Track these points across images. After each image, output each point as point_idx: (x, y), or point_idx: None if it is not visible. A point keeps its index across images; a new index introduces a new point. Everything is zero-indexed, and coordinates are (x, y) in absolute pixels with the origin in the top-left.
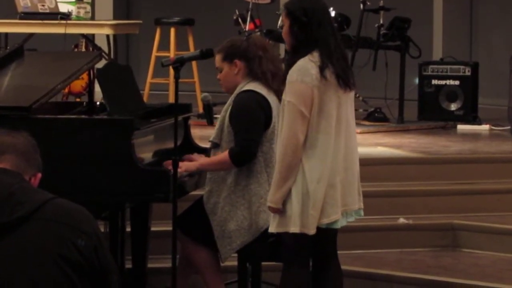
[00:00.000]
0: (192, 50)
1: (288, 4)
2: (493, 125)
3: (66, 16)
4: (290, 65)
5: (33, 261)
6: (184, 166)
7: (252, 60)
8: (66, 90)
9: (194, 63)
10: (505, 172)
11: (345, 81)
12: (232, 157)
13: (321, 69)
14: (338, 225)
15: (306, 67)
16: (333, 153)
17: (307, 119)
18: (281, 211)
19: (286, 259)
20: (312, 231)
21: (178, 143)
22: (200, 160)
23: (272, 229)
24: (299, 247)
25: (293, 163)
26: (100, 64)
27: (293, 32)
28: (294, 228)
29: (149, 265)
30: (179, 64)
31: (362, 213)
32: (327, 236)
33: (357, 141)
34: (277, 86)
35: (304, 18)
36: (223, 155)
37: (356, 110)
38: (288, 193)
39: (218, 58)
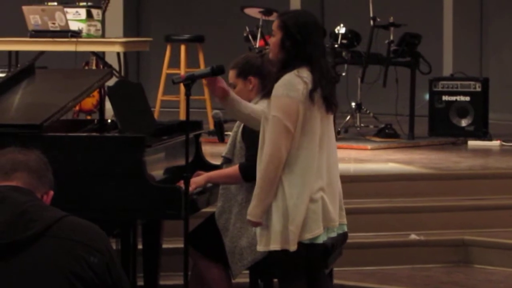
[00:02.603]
0: (202, 67)
1: (283, 16)
2: (504, 141)
3: (77, 33)
4: (277, 79)
5: (46, 278)
6: (193, 182)
7: (266, 76)
8: (77, 108)
9: (204, 80)
10: None
11: (330, 105)
12: (242, 171)
13: (311, 91)
14: (321, 240)
15: (293, 82)
16: (316, 169)
17: (291, 134)
18: (262, 226)
19: (279, 276)
20: (292, 247)
21: (189, 160)
22: (208, 173)
23: (260, 248)
24: (286, 264)
25: (275, 178)
26: (111, 82)
27: (284, 46)
28: (274, 246)
29: (161, 282)
30: (190, 81)
31: (345, 228)
32: (313, 251)
33: (337, 156)
34: None
35: (299, 36)
36: (232, 168)
37: (366, 126)
38: (269, 211)
39: (232, 74)
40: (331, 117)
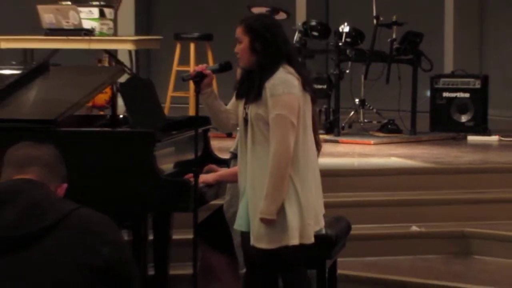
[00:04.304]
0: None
1: (248, 20)
2: (502, 136)
3: (90, 32)
4: (263, 80)
5: (59, 269)
6: (202, 178)
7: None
8: (90, 104)
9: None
10: None
11: (315, 96)
12: None
13: (304, 83)
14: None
15: (288, 79)
16: (311, 163)
17: (295, 129)
18: (275, 225)
19: (290, 271)
20: (311, 240)
21: (198, 154)
22: (218, 172)
23: (265, 246)
24: (298, 258)
25: (286, 175)
26: (123, 79)
27: (254, 49)
28: (294, 241)
29: (171, 272)
30: (199, 78)
31: None
32: (320, 242)
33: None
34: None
35: (268, 35)
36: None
37: (370, 122)
38: (282, 208)
39: (240, 29)
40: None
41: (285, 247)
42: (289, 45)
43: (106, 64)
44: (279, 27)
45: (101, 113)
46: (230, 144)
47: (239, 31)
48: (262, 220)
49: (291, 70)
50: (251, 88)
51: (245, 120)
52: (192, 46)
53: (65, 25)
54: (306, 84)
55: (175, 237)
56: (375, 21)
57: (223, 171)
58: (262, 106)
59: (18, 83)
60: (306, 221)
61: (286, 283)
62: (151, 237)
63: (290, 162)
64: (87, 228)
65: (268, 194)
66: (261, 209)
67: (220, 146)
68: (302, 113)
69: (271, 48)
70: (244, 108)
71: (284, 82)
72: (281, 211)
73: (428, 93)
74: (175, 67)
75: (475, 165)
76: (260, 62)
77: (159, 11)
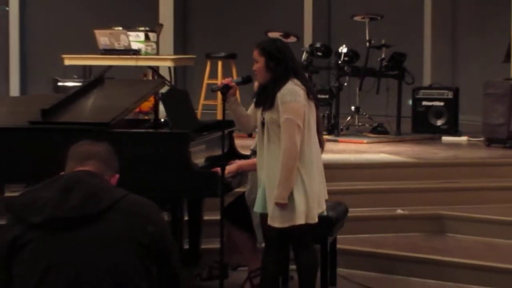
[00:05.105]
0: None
1: (262, 44)
2: (470, 137)
3: (137, 52)
4: (275, 91)
5: (113, 244)
6: (227, 169)
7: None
8: (137, 109)
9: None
10: (481, 173)
11: (318, 103)
12: None
13: (308, 93)
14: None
15: (295, 90)
16: (315, 158)
17: (301, 130)
18: (285, 208)
19: (299, 245)
20: (315, 220)
21: (225, 151)
22: (239, 162)
23: (278, 225)
24: (305, 235)
25: (295, 167)
26: (164, 89)
27: (269, 67)
28: (300, 221)
29: (202, 246)
30: (226, 89)
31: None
32: (323, 222)
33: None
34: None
35: (280, 55)
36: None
37: (363, 125)
38: (292, 194)
39: (256, 52)
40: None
41: (294, 226)
42: (296, 63)
43: (150, 78)
44: (287, 48)
45: (146, 117)
46: (250, 142)
47: (256, 53)
48: (276, 204)
49: (298, 82)
50: (266, 99)
51: (262, 124)
52: (219, 63)
53: (117, 46)
54: (310, 94)
55: (205, 218)
56: (367, 44)
57: (243, 162)
58: (275, 112)
59: (79, 93)
60: (310, 205)
61: (297, 255)
62: (186, 218)
63: (297, 157)
64: (134, 211)
65: (280, 183)
66: (275, 195)
67: (242, 145)
68: (306, 117)
69: (281, 66)
70: (262, 114)
71: (292, 92)
72: (291, 196)
73: (410, 102)
74: (205, 80)
75: (448, 160)
76: (274, 78)
77: (193, 35)
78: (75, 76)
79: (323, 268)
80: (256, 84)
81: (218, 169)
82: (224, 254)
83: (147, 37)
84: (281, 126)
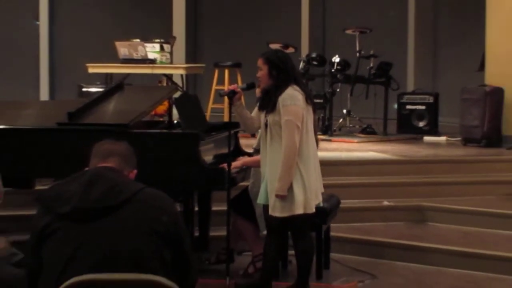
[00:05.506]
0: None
1: (266, 54)
2: (449, 137)
3: (153, 61)
4: (277, 96)
5: (132, 232)
6: (233, 165)
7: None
8: (153, 112)
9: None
10: (458, 169)
11: (315, 107)
12: None
13: (306, 98)
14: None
15: (295, 94)
16: (312, 155)
17: (300, 130)
18: (285, 199)
19: (297, 233)
20: (312, 210)
21: (231, 149)
22: (244, 159)
23: (279, 214)
24: (304, 223)
25: (294, 163)
26: (177, 94)
27: (272, 74)
28: (299, 211)
29: (211, 234)
30: (232, 94)
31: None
32: (318, 212)
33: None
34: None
35: (281, 64)
36: (259, 157)
37: (354, 126)
38: (289, 187)
39: (260, 60)
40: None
41: (293, 215)
42: (295, 71)
43: (164, 84)
44: (288, 58)
45: (161, 119)
46: (253, 142)
47: (260, 62)
48: (277, 195)
49: (297, 88)
50: (269, 103)
51: (266, 125)
52: (226, 71)
53: (135, 56)
54: (308, 98)
55: (213, 208)
56: (358, 54)
57: (247, 158)
58: (277, 114)
59: (101, 98)
60: (308, 197)
61: (295, 242)
62: (197, 209)
63: (296, 154)
64: (151, 202)
65: (281, 177)
66: (276, 188)
67: (246, 143)
68: (305, 119)
69: (282, 74)
70: (265, 117)
71: (292, 96)
72: (290, 189)
73: (396, 106)
74: (214, 86)
75: (429, 157)
76: (275, 84)
77: (203, 46)
78: (98, 83)
79: (318, 253)
80: (258, 90)
81: (225, 165)
82: (230, 241)
83: (162, 48)
84: (282, 127)
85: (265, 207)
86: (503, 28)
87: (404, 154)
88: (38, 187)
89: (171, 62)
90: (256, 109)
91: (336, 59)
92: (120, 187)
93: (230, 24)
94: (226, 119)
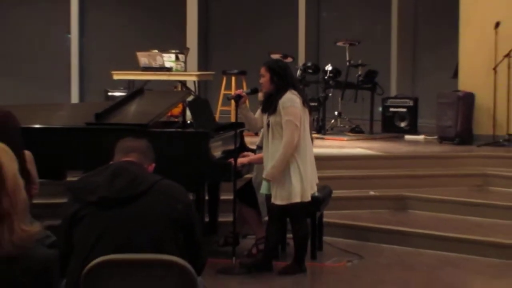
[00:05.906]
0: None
1: (268, 63)
2: (427, 136)
3: (169, 69)
4: (277, 99)
5: (151, 219)
6: (240, 161)
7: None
8: (169, 114)
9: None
10: (435, 164)
11: (311, 109)
12: None
13: (303, 101)
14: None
15: (293, 98)
16: (308, 151)
17: (298, 129)
18: (283, 187)
19: (295, 219)
20: (308, 199)
21: (237, 146)
22: (250, 156)
23: (279, 202)
24: (301, 210)
25: (290, 157)
26: (190, 98)
27: (273, 80)
28: (296, 199)
29: (219, 219)
30: (238, 98)
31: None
32: (313, 201)
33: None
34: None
35: (282, 72)
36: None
37: (344, 126)
38: (288, 178)
39: (263, 68)
40: (308, 117)
41: (291, 203)
42: (294, 78)
43: (179, 89)
44: (287, 67)
45: (176, 120)
46: (256, 139)
47: (263, 70)
48: (266, 179)
49: (295, 93)
50: (271, 105)
51: (268, 125)
52: (233, 78)
53: (153, 65)
54: (304, 102)
55: (222, 197)
56: (347, 63)
57: (253, 156)
58: (278, 115)
59: (124, 101)
60: (305, 187)
61: (292, 227)
62: (207, 197)
63: (294, 150)
64: (167, 192)
65: (274, 165)
66: (268, 172)
67: (251, 141)
68: (302, 120)
69: (282, 80)
70: (267, 118)
71: (290, 99)
72: (289, 179)
73: (380, 109)
74: (222, 91)
75: (409, 153)
76: (276, 89)
77: (213, 56)
78: (121, 88)
79: (313, 236)
80: (260, 95)
81: (232, 160)
82: (236, 225)
83: (177, 58)
84: (283, 126)
85: (267, 197)
86: (475, 40)
87: (387, 150)
88: (68, 179)
89: (185, 70)
90: (259, 111)
91: (329, 67)
92: (140, 179)
93: (237, 37)
94: (232, 119)
